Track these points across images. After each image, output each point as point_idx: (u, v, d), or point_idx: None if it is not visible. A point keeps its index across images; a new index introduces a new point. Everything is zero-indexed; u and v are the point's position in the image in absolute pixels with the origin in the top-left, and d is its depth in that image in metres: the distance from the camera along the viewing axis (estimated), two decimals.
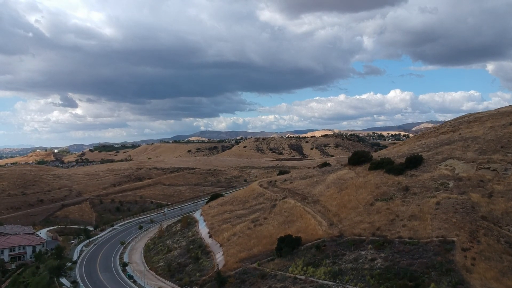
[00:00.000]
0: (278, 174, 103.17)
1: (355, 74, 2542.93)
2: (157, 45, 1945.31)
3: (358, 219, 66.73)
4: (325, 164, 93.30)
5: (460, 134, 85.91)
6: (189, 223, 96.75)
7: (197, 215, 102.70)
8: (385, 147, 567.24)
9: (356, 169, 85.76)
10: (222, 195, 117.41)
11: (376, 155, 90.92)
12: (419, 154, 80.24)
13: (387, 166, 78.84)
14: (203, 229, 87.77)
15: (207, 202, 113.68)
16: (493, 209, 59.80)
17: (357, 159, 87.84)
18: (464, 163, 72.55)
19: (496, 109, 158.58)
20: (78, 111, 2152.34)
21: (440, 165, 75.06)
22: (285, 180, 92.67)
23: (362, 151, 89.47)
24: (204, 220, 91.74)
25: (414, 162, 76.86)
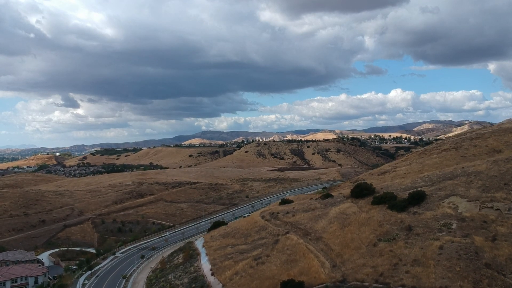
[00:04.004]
0: (280, 204, 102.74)
1: (356, 74, 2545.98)
2: (158, 45, 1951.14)
3: (361, 262, 66.23)
4: (328, 196, 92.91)
5: (463, 168, 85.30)
6: (191, 255, 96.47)
7: (199, 245, 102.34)
8: (387, 151, 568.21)
9: (359, 203, 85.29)
10: (224, 223, 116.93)
11: (379, 187, 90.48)
12: (422, 189, 79.72)
13: (389, 201, 78.42)
14: (205, 265, 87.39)
15: (208, 231, 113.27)
16: (497, 254, 59.19)
17: (359, 192, 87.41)
18: (467, 201, 71.93)
19: (498, 124, 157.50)
20: (80, 111, 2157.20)
21: (443, 202, 74.47)
22: (288, 213, 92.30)
23: (365, 183, 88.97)
24: (206, 254, 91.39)
25: (417, 198, 76.41)
